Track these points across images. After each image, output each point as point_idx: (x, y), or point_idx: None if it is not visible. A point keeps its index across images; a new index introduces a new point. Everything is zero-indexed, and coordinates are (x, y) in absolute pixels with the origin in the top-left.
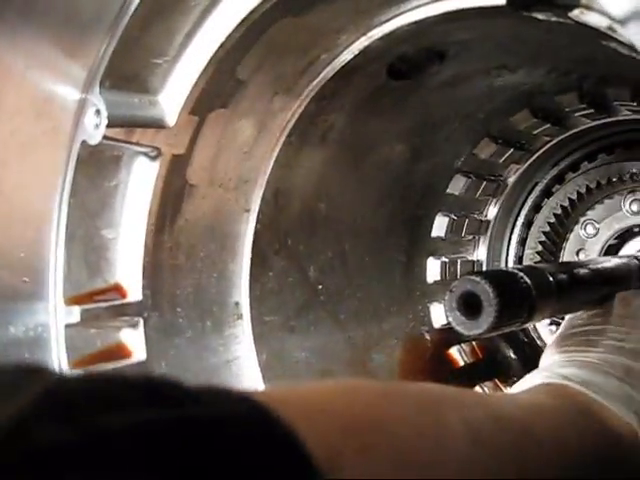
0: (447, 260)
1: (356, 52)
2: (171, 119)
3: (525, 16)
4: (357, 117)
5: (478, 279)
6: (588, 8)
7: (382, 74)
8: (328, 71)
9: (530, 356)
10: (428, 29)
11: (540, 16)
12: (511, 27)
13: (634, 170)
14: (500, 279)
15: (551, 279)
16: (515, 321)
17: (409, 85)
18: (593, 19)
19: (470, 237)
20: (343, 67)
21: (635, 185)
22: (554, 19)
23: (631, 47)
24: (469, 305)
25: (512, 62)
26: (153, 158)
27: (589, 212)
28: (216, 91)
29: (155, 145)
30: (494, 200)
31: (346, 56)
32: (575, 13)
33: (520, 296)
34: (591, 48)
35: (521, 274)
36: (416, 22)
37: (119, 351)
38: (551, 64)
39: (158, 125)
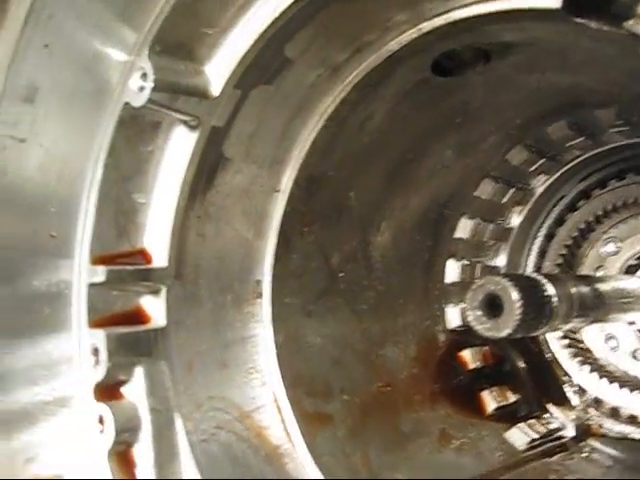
0: (467, 263)
1: (404, 43)
2: (215, 90)
3: (577, 23)
4: (397, 110)
5: (502, 281)
6: None
7: (427, 68)
8: (374, 59)
9: (539, 366)
10: (477, 27)
11: (593, 24)
12: (560, 33)
13: None
14: (524, 283)
15: (573, 290)
16: (534, 328)
17: (452, 82)
18: None
19: (492, 242)
20: (389, 57)
21: None
22: (606, 28)
23: None
24: (490, 306)
25: (556, 70)
26: (193, 127)
27: (612, 230)
28: (262, 67)
29: (196, 114)
30: (519, 208)
31: (393, 46)
32: (629, 23)
33: (542, 303)
34: (638, 63)
35: (544, 281)
36: (467, 19)
37: (138, 316)
38: (595, 75)
39: (201, 94)
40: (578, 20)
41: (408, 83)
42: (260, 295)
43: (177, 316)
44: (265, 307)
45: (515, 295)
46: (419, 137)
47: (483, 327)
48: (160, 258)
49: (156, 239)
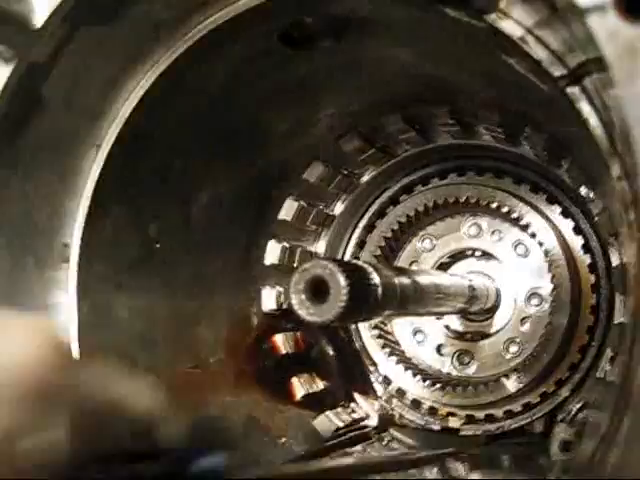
0: (288, 246)
1: (255, 3)
2: (38, 20)
3: (437, 9)
4: (237, 75)
5: (330, 265)
6: (505, 15)
7: (274, 36)
8: (221, 15)
9: (347, 355)
10: None
11: (453, 13)
12: (416, 19)
13: (480, 195)
14: (351, 270)
15: (396, 281)
16: (356, 315)
17: (297, 56)
18: (508, 26)
19: (314, 227)
20: (237, 16)
21: (478, 210)
22: (466, 19)
23: (535, 62)
24: (316, 290)
25: (403, 58)
26: (7, 60)
27: (430, 227)
28: (97, 2)
29: (12, 45)
30: (343, 196)
31: (243, 5)
32: (491, 17)
33: (367, 291)
34: (486, 61)
35: (370, 269)
36: None
37: None
38: (438, 70)
39: (21, 23)
40: (440, 7)
41: (253, 48)
42: (67, 260)
43: None
44: (71, 274)
45: (343, 281)
46: (255, 108)
47: (306, 312)
48: None
49: None
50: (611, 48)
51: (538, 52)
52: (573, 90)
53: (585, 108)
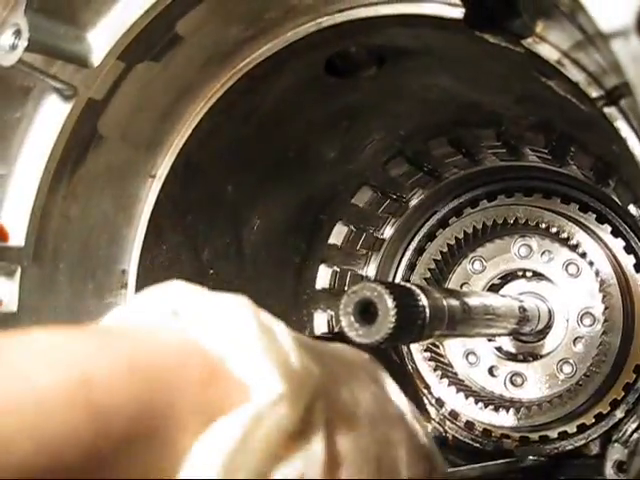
0: (338, 270)
1: (302, 35)
2: (96, 59)
3: (475, 37)
4: (285, 104)
5: (378, 287)
6: (542, 39)
7: (320, 66)
8: (269, 48)
9: (400, 378)
10: (376, 29)
11: (492, 39)
12: (457, 46)
13: (529, 216)
14: (399, 293)
15: (444, 302)
16: (404, 337)
17: (343, 84)
18: (545, 50)
19: (364, 252)
20: (285, 48)
21: (527, 230)
22: (504, 44)
23: (574, 85)
24: (364, 312)
25: (446, 83)
26: (67, 98)
27: (479, 249)
28: (151, 41)
29: (72, 84)
30: (392, 220)
31: (291, 37)
32: (528, 41)
33: (415, 312)
34: (527, 85)
35: (418, 291)
36: (367, 19)
37: None
38: (483, 93)
39: (80, 62)
40: (477, 33)
41: (300, 78)
42: (125, 286)
43: (31, 302)
44: (129, 299)
45: (390, 302)
46: (303, 136)
47: (355, 333)
48: (17, 236)
49: (15, 215)
50: (634, 71)
51: (575, 74)
52: (610, 110)
53: (623, 128)
